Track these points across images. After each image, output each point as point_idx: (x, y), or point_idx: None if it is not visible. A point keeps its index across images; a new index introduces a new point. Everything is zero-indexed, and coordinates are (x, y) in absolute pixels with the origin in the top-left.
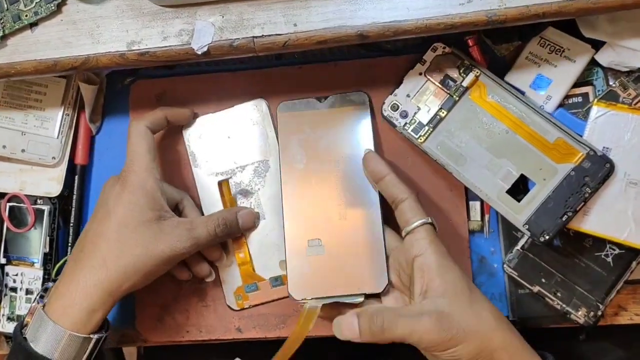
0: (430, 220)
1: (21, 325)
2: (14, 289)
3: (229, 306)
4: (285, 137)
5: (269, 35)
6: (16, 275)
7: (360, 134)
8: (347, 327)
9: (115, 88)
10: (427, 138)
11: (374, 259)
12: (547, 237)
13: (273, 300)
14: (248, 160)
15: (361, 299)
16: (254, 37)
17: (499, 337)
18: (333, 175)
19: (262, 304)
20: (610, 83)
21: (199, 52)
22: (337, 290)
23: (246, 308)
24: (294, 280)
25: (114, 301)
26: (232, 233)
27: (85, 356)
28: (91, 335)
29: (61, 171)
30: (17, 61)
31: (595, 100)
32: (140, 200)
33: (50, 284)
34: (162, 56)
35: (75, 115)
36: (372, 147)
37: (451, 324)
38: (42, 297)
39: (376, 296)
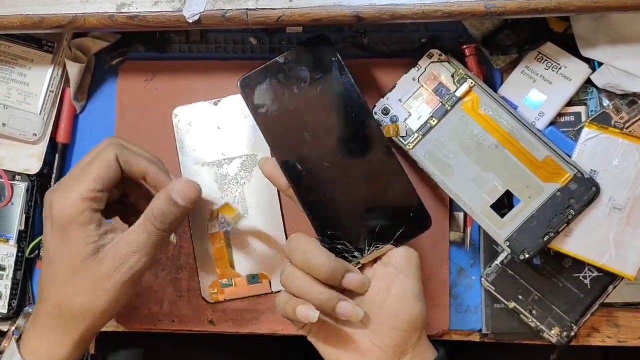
0: None
1: None
2: None
3: (203, 298)
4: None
5: (263, 9)
6: None
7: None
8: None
9: (103, 68)
10: (415, 145)
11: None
12: (527, 256)
13: (249, 297)
14: (236, 153)
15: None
16: (247, 9)
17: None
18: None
19: (237, 299)
20: (604, 104)
21: (191, 21)
22: None
23: (220, 302)
24: None
25: (82, 344)
26: (177, 216)
27: None
28: None
29: (42, 148)
30: (3, 15)
31: (587, 122)
32: (72, 238)
33: (30, 309)
34: (152, 21)
35: (60, 92)
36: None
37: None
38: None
39: None
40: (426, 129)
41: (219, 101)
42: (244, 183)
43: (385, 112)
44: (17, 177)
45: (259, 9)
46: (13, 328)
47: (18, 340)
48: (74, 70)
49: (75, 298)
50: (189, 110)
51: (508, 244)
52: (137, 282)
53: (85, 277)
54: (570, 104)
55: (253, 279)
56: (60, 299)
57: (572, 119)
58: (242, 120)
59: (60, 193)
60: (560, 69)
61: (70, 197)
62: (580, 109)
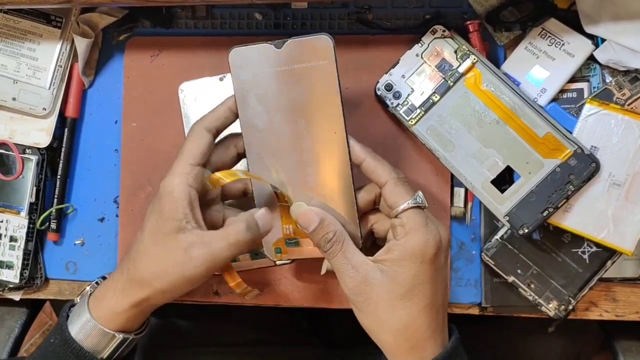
0: (412, 204)
1: (72, 304)
2: None
3: None
4: (242, 95)
5: None
6: (1, 221)
7: (326, 87)
8: (306, 219)
9: (110, 43)
10: (417, 121)
11: (347, 223)
12: (526, 231)
13: (253, 269)
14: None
15: None
16: None
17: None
18: (298, 134)
19: (242, 271)
20: (607, 81)
21: None
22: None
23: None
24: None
25: (147, 311)
26: (255, 240)
27: (108, 350)
28: (115, 333)
29: (51, 122)
30: None
31: (589, 98)
32: (164, 208)
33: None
34: None
35: (69, 67)
36: (338, 101)
37: (364, 293)
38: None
39: None
40: (428, 105)
41: (225, 76)
42: None
43: (388, 87)
44: (28, 151)
45: None
46: (93, 282)
47: (90, 295)
48: (82, 45)
49: (145, 265)
50: (194, 86)
51: (507, 218)
52: (198, 280)
53: (161, 250)
54: (572, 80)
55: (256, 255)
56: (134, 262)
57: (575, 95)
58: None
59: (169, 175)
60: (563, 45)
61: (172, 172)
62: (583, 85)
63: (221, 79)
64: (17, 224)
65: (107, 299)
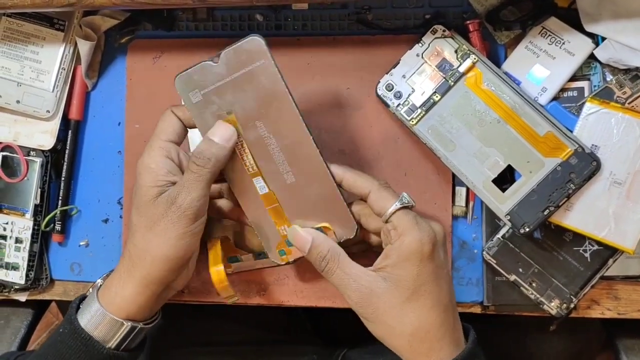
0: (399, 205)
1: (82, 297)
2: (3, 237)
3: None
4: (199, 116)
5: None
6: (6, 223)
7: (271, 85)
8: (300, 242)
9: (113, 46)
10: (418, 121)
11: (337, 210)
12: (527, 229)
13: (255, 270)
14: None
15: None
16: None
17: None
18: (261, 137)
19: (245, 271)
20: (607, 79)
21: None
22: None
23: (229, 274)
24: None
25: (153, 292)
26: (214, 154)
27: (116, 339)
28: (124, 321)
29: (55, 125)
30: None
31: (589, 96)
32: (145, 181)
33: None
34: None
35: (72, 70)
36: (286, 95)
37: (371, 305)
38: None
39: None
40: (429, 105)
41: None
42: None
43: (389, 88)
44: (32, 153)
45: None
46: (104, 275)
47: (100, 286)
48: (85, 48)
49: (139, 239)
50: None
51: (509, 217)
52: (189, 226)
53: (145, 218)
54: (573, 79)
55: (259, 255)
56: (131, 242)
57: (575, 94)
58: None
59: (145, 152)
60: (563, 43)
61: (147, 148)
62: (584, 83)
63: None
64: (22, 225)
65: (114, 285)
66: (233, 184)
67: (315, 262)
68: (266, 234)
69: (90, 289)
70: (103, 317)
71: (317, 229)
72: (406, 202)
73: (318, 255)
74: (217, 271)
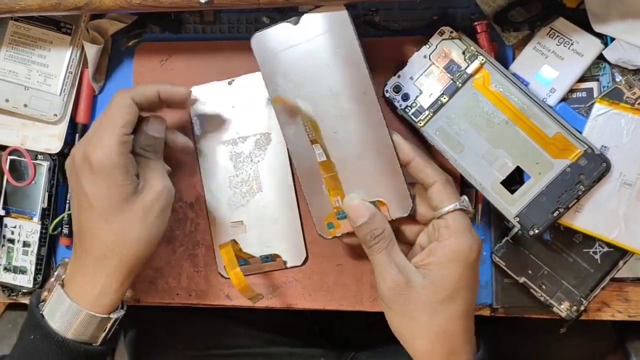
0: (459, 206)
1: (37, 299)
2: (11, 241)
3: (219, 273)
4: (269, 75)
5: None
6: (14, 227)
7: (347, 52)
8: (355, 213)
9: (120, 49)
10: (426, 123)
11: (395, 187)
12: (536, 231)
13: (263, 272)
14: (250, 132)
15: None
16: None
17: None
18: (329, 101)
19: (252, 274)
20: (617, 80)
21: (203, 1)
22: None
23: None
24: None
25: (131, 281)
26: (151, 144)
27: (103, 335)
28: (110, 315)
29: (62, 128)
30: None
31: (598, 97)
32: (117, 180)
33: (67, 259)
34: (165, 2)
35: (79, 73)
36: (362, 63)
37: (404, 295)
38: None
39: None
40: (437, 106)
41: (233, 80)
42: (258, 161)
43: (397, 89)
44: (39, 157)
45: None
46: (52, 279)
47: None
48: (92, 51)
49: (126, 231)
50: (203, 90)
51: (518, 219)
52: (167, 210)
53: (132, 211)
54: (582, 79)
55: (266, 258)
56: (107, 237)
57: (584, 94)
58: (256, 99)
59: (94, 143)
60: (572, 44)
61: (107, 144)
62: (593, 84)
63: (230, 83)
64: (30, 229)
65: (94, 287)
66: (292, 148)
67: (365, 237)
68: (317, 204)
69: (47, 291)
70: (79, 315)
71: (372, 202)
72: (466, 205)
73: (371, 232)
74: (235, 273)
